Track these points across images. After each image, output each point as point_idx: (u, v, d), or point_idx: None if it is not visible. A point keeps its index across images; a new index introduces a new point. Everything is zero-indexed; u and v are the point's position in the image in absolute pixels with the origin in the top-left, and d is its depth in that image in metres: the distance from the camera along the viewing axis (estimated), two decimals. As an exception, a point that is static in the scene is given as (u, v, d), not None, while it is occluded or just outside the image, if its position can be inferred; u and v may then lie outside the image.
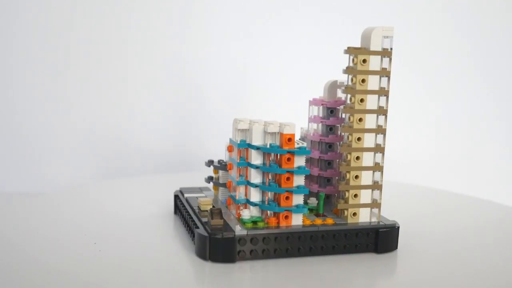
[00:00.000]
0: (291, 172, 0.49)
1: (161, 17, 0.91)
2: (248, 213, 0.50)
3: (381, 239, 0.51)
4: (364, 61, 0.49)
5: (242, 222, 0.50)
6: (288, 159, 0.49)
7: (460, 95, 0.98)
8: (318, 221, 0.51)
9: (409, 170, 0.96)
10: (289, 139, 0.49)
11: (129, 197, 0.68)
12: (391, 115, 0.82)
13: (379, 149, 0.51)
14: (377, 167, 0.51)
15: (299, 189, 0.49)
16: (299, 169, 0.49)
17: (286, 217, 0.50)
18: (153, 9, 0.90)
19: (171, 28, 0.91)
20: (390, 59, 0.50)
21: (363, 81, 0.50)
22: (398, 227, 0.51)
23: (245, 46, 0.93)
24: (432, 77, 0.98)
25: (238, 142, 0.51)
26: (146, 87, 0.92)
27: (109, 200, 0.67)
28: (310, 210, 0.54)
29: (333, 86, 0.56)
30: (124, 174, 0.91)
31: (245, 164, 0.51)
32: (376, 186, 0.52)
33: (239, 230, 0.48)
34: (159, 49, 0.91)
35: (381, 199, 0.52)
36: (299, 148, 0.49)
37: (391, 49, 0.50)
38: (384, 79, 0.50)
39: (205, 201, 0.54)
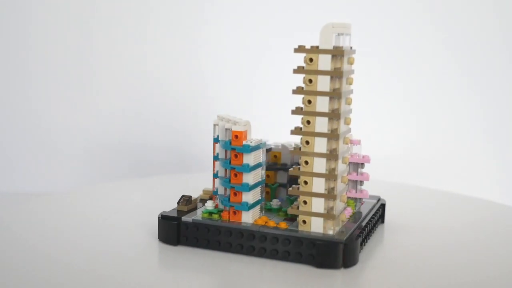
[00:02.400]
0: (234, 169, 0.50)
1: (162, 19, 0.93)
2: (211, 204, 0.53)
3: (320, 253, 0.47)
4: (311, 60, 0.47)
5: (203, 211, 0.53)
6: (236, 156, 0.50)
7: (437, 92, 1.01)
8: (271, 223, 0.50)
9: (385, 167, 0.94)
10: (236, 136, 0.50)
11: (143, 196, 0.69)
12: (370, 113, 0.94)
13: (332, 155, 0.47)
14: (331, 175, 0.47)
15: (241, 187, 0.50)
16: (242, 167, 0.49)
17: (235, 212, 0.51)
18: (150, 12, 0.93)
19: (172, 28, 0.93)
20: (341, 58, 0.46)
21: (310, 81, 0.47)
22: (343, 243, 0.46)
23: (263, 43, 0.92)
24: (410, 74, 1.01)
25: (214, 137, 0.54)
26: (147, 88, 0.94)
27: (123, 198, 0.68)
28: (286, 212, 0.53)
29: (330, 88, 0.53)
30: (138, 175, 0.94)
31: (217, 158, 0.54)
32: (329, 195, 0.48)
33: (185, 217, 0.51)
34: (157, 50, 0.93)
35: (334, 210, 0.48)
36: (242, 146, 0.49)
37: (351, 47, 0.46)
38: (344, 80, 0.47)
39: (207, 191, 0.58)
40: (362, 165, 0.55)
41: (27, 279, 0.44)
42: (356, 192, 0.55)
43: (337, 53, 0.46)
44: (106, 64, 0.97)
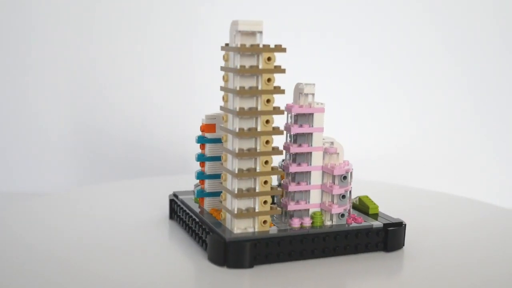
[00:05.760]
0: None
1: (152, 18, 0.90)
2: (206, 189, 0.58)
3: (209, 247, 0.48)
4: (224, 57, 0.48)
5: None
6: (201, 147, 0.54)
7: (436, 92, 0.99)
8: (216, 213, 0.52)
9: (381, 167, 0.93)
10: (201, 128, 0.54)
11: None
12: (367, 113, 0.98)
13: (233, 153, 0.47)
14: (233, 173, 0.47)
15: (197, 175, 0.54)
16: (197, 156, 0.54)
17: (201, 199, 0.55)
18: (151, 11, 0.90)
19: (170, 27, 0.91)
20: (239, 56, 0.46)
21: (224, 78, 0.48)
22: (225, 242, 0.46)
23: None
24: (408, 74, 0.99)
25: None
26: (142, 89, 0.92)
27: (121, 198, 0.67)
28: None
29: (296, 90, 0.50)
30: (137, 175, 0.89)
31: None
32: (233, 193, 0.47)
33: (181, 196, 0.58)
34: (153, 50, 0.91)
35: (235, 209, 0.47)
36: (197, 137, 0.54)
37: (264, 45, 0.46)
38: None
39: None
40: (344, 177, 0.50)
41: (27, 279, 0.44)
42: (332, 205, 0.50)
43: (236, 50, 0.46)
44: (106, 65, 0.94)
